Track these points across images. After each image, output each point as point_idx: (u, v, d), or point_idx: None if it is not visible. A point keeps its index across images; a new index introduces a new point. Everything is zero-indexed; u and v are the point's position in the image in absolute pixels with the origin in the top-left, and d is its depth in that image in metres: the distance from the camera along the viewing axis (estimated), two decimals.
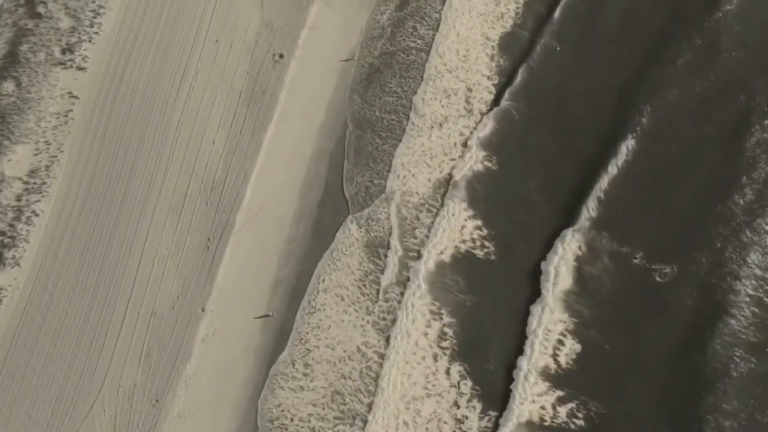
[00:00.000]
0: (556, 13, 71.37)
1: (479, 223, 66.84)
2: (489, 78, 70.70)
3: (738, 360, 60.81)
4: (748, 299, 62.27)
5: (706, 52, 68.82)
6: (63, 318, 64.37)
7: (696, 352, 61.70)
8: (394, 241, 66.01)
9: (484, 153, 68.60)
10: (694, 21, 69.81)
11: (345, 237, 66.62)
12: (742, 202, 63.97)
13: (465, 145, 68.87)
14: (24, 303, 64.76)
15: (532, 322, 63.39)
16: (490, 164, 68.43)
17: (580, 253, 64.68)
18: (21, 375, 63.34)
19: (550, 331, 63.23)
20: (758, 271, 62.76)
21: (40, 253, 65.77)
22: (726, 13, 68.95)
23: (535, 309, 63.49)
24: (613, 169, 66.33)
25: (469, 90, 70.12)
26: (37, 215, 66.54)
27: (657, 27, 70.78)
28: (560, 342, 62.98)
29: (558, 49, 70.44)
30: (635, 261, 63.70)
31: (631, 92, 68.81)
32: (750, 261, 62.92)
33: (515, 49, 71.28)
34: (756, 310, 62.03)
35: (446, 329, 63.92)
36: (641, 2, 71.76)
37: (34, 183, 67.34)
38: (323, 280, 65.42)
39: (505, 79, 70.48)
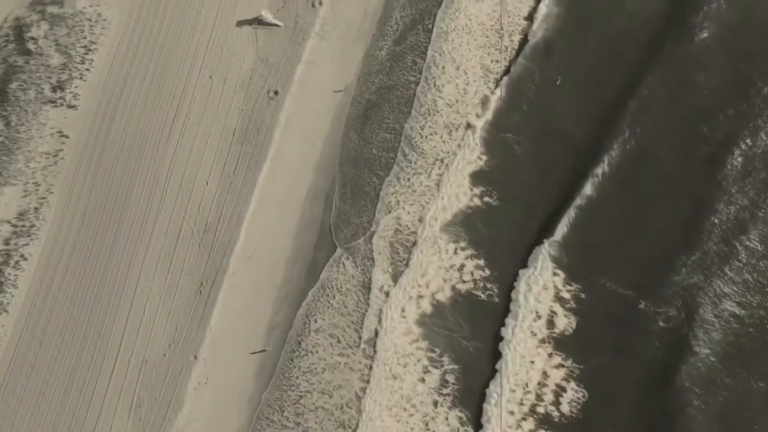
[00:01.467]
0: (528, 48, 70.28)
1: (481, 263, 65.47)
2: (490, 109, 69.10)
3: (715, 387, 60.30)
4: (724, 329, 61.56)
5: (681, 81, 68.20)
6: (52, 366, 63.20)
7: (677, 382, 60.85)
8: (386, 281, 64.08)
9: (483, 188, 66.88)
10: (670, 49, 69.07)
11: (339, 274, 65.15)
12: (718, 231, 63.35)
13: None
14: (12, 351, 63.68)
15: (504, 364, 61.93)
16: (490, 200, 66.77)
17: (583, 296, 62.80)
18: (8, 426, 62.27)
19: (549, 376, 61.83)
20: (733, 297, 62.11)
21: (29, 298, 64.62)
22: (700, 41, 68.69)
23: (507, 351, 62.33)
24: (583, 200, 65.63)
25: (470, 125, 68.12)
26: (25, 259, 65.32)
27: (636, 56, 69.59)
28: (561, 388, 61.26)
29: (558, 83, 68.61)
30: (641, 307, 62.28)
31: (613, 121, 67.92)
32: (726, 288, 62.29)
33: (518, 81, 69.81)
34: (729, 337, 61.47)
35: (448, 377, 62.61)
36: (620, 33, 70.53)
37: (23, 226, 66.13)
38: (315, 320, 63.74)
39: (505, 108, 69.14)
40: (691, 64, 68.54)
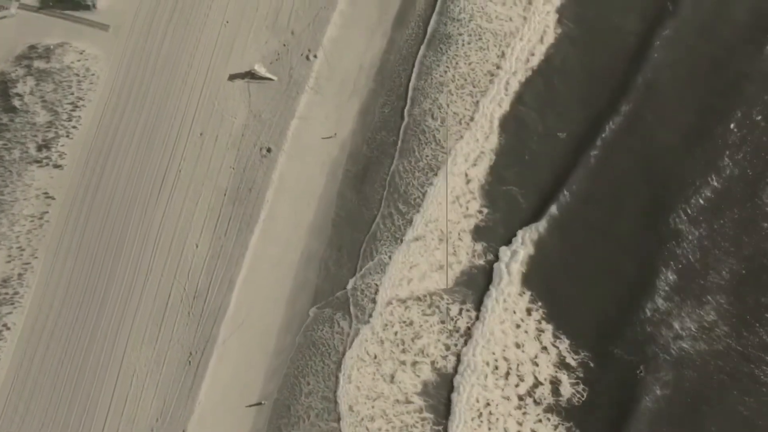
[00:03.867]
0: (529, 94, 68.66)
1: None
2: (491, 160, 67.23)
3: None
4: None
5: (632, 126, 66.51)
6: None
7: None
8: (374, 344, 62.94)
9: (485, 244, 65.34)
10: (620, 100, 67.43)
11: (334, 333, 63.50)
12: (666, 288, 62.12)
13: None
14: None
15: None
16: (494, 256, 64.83)
17: (592, 364, 61.02)
18: None
19: None
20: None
21: (12, 370, 63.40)
22: (649, 85, 67.22)
23: None
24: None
25: (468, 179, 66.42)
26: (8, 329, 64.05)
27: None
28: None
29: (562, 136, 66.46)
30: (639, 374, 60.85)
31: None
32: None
33: (515, 126, 67.90)
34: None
35: None
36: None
37: (6, 293, 64.68)
38: (308, 383, 61.92)
39: (507, 158, 67.19)
40: (641, 111, 67.06)
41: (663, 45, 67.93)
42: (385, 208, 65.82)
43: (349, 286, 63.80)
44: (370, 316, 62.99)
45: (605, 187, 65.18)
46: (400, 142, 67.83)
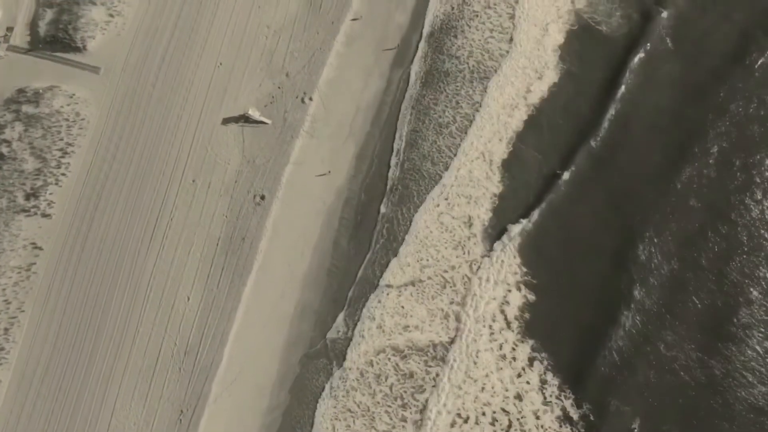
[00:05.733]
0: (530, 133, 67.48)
1: None
2: (491, 198, 65.95)
3: None
4: None
5: (597, 166, 65.96)
6: None
7: None
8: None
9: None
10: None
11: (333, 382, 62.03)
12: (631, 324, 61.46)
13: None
14: None
15: None
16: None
17: (592, 417, 60.08)
18: None
19: None
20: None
21: None
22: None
23: None
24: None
25: (470, 222, 65.01)
26: None
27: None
28: None
29: (564, 176, 65.29)
30: (634, 429, 59.96)
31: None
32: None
33: (518, 167, 66.60)
34: None
35: None
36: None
37: None
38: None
39: (509, 201, 65.95)
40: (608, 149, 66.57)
41: (654, 78, 67.58)
42: (383, 256, 64.22)
43: (330, 335, 62.55)
44: (357, 364, 61.44)
45: (598, 223, 64.53)
46: (399, 188, 66.31)
